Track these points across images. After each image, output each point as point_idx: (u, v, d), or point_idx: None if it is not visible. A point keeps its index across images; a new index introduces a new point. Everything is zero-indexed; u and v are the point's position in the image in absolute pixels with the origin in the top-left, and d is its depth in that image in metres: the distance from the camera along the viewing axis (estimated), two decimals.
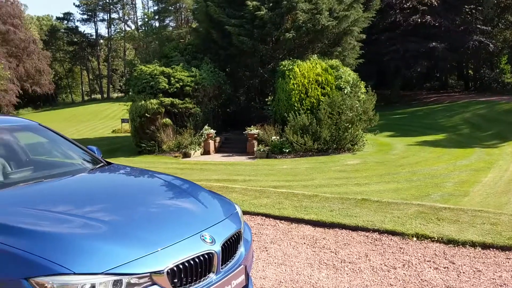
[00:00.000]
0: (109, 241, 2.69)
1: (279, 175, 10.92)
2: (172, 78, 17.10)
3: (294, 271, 4.35)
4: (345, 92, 15.62)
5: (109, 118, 34.76)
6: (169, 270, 2.66)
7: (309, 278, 4.20)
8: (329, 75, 16.18)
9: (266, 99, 17.23)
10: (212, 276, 2.91)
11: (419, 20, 28.86)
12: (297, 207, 6.41)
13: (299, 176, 10.58)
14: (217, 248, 2.95)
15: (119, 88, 64.24)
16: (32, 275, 2.40)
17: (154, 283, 2.61)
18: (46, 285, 2.37)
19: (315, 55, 17.65)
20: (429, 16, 28.93)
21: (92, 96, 63.16)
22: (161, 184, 3.84)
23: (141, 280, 2.57)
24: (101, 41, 64.25)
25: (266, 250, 4.93)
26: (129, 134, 20.44)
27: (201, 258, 2.84)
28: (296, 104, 15.78)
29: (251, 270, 3.90)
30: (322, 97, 15.68)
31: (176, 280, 2.70)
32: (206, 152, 16.72)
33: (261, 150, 15.51)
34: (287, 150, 15.08)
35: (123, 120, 26.25)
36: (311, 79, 16.02)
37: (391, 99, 31.97)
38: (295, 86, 15.89)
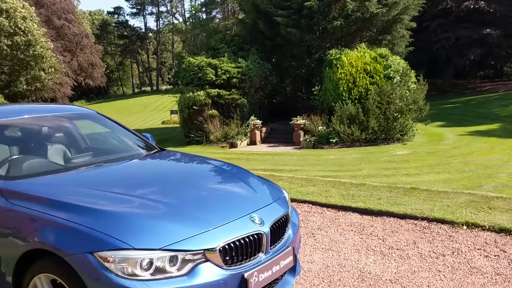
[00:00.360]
0: (165, 219, 2.86)
1: (325, 165, 10.92)
2: (219, 70, 17.36)
3: (341, 256, 4.43)
4: (395, 81, 15.35)
5: (158, 110, 35.62)
6: (221, 248, 2.81)
7: (356, 263, 4.26)
8: (378, 64, 15.95)
9: (313, 89, 17.16)
10: (261, 256, 3.04)
11: (472, 6, 27.81)
12: (344, 195, 6.44)
13: (346, 166, 10.54)
14: (266, 229, 3.07)
15: (168, 80, 65.58)
16: (96, 250, 2.60)
17: (207, 260, 2.76)
18: (109, 259, 2.57)
19: (363, 43, 17.40)
20: (482, 2, 27.82)
21: (142, 89, 64.83)
22: (212, 169, 4.00)
23: (195, 257, 2.73)
24: (150, 34, 65.73)
25: (313, 236, 5.02)
26: (178, 125, 20.93)
27: (251, 238, 2.97)
28: (343, 94, 15.66)
29: (299, 254, 4.00)
30: (371, 86, 15.49)
31: (227, 258, 2.84)
32: (252, 142, 16.90)
33: (308, 140, 15.50)
34: (334, 140, 15.00)
35: (172, 112, 26.87)
36: (359, 68, 15.84)
37: (442, 88, 31.05)
38: (343, 75, 15.77)
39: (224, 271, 2.80)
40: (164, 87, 61.54)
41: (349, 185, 7.05)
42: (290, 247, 3.30)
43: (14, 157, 3.68)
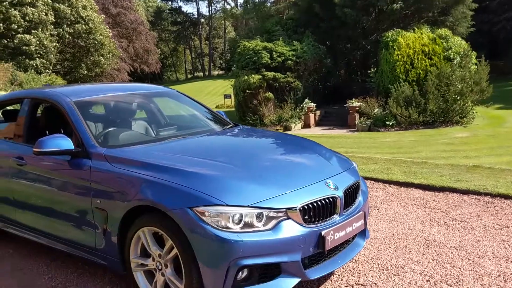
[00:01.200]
0: (251, 182, 3.23)
1: (382, 147, 11.03)
2: (274, 53, 17.64)
3: (405, 227, 4.67)
4: (455, 62, 15.11)
5: (211, 95, 36.37)
6: (300, 208, 3.14)
7: (421, 232, 4.50)
8: (437, 45, 15.73)
9: (368, 71, 17.13)
10: (336, 217, 3.35)
11: None
12: (406, 172, 6.63)
13: (403, 149, 10.61)
14: (339, 193, 3.38)
15: (219, 65, 66.46)
16: (194, 205, 2.99)
17: (289, 218, 3.10)
18: (205, 213, 2.95)
19: (422, 25, 17.16)
20: None
21: (195, 74, 66.04)
22: (287, 141, 4.36)
23: (279, 214, 3.08)
24: (202, 20, 66.67)
25: (377, 209, 5.27)
26: (231, 109, 21.44)
27: (327, 200, 3.29)
28: (400, 76, 15.58)
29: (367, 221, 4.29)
30: (430, 67, 15.31)
31: (306, 217, 3.17)
32: (306, 125, 17.13)
33: (363, 123, 15.54)
34: (390, 123, 14.98)
35: (225, 96, 27.44)
36: (416, 50, 15.68)
37: (504, 70, 29.91)
38: (400, 57, 15.66)
39: (303, 228, 3.13)
40: (216, 72, 62.45)
41: (410, 163, 7.22)
42: (361, 212, 3.59)
43: (110, 129, 4.16)
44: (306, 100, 17.35)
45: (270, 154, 3.90)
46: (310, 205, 3.20)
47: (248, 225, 3.00)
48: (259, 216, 3.03)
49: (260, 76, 17.42)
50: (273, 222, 3.06)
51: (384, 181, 6.34)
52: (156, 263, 3.25)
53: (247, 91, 17.41)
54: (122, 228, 3.38)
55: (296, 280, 3.14)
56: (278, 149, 4.10)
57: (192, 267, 3.01)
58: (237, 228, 2.97)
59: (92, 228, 3.57)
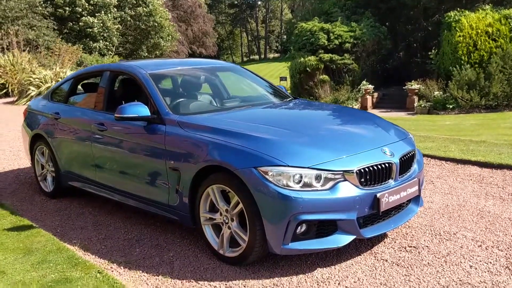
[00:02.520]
0: (310, 146, 3.52)
1: (441, 130, 10.93)
2: (331, 34, 17.66)
3: (460, 199, 4.81)
4: None
5: (267, 77, 36.51)
6: (357, 171, 3.39)
7: (476, 204, 4.63)
8: (502, 26, 15.22)
9: (429, 53, 16.83)
10: (391, 182, 3.58)
11: None
12: (464, 150, 6.68)
13: (463, 132, 10.49)
14: (395, 160, 3.60)
15: (275, 48, 66.50)
16: (259, 165, 3.32)
17: (345, 180, 3.37)
18: (268, 172, 3.27)
19: (487, 5, 16.61)
20: None
21: (250, 57, 66.57)
22: (346, 112, 4.63)
23: (336, 176, 3.35)
24: (259, 2, 66.86)
25: (433, 183, 5.42)
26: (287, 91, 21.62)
27: (383, 166, 3.52)
28: (462, 58, 15.24)
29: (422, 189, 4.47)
30: (495, 49, 14.87)
31: (362, 180, 3.42)
32: (363, 107, 17.09)
33: (422, 105, 15.37)
34: (450, 106, 14.74)
35: (281, 78, 27.51)
36: (479, 31, 15.25)
37: None
38: (462, 38, 15.29)
39: (359, 190, 3.38)
40: (271, 55, 62.61)
41: (468, 142, 7.24)
42: (416, 179, 3.80)
43: (181, 100, 4.56)
44: (364, 82, 17.30)
45: (329, 123, 4.17)
46: (367, 169, 3.44)
47: (307, 184, 3.29)
48: (317, 177, 3.31)
49: (317, 58, 17.52)
50: (331, 183, 3.34)
51: (441, 158, 6.43)
52: (223, 217, 3.61)
53: (303, 73, 17.57)
54: (193, 186, 3.76)
55: (351, 237, 3.41)
56: (336, 119, 4.36)
57: (255, 221, 3.35)
58: (297, 187, 3.26)
59: (166, 187, 3.98)
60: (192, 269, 3.58)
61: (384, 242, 3.85)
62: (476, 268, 3.35)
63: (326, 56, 17.44)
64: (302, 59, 17.72)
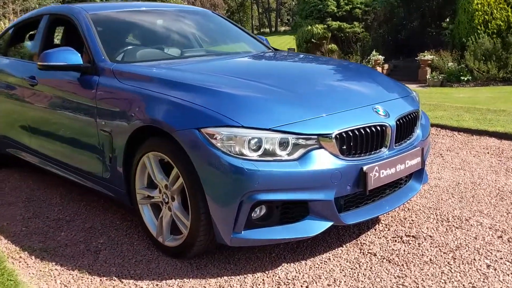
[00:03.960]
0: (278, 102, 2.60)
1: (454, 103, 9.93)
2: (341, 0, 16.48)
3: (474, 176, 3.87)
4: None
5: None
6: (337, 135, 2.48)
7: (494, 182, 3.69)
8: None
9: (443, 22, 15.65)
10: (384, 151, 2.66)
11: None
12: (480, 119, 5.71)
13: (478, 105, 9.48)
14: (391, 122, 2.67)
15: (287, 21, 64.80)
16: (203, 126, 2.41)
17: (321, 147, 2.46)
18: (216, 135, 2.37)
19: None
20: None
21: (261, 30, 64.86)
22: (335, 64, 3.70)
23: (308, 142, 2.44)
24: None
25: (442, 156, 4.48)
26: None
27: (373, 129, 2.60)
28: (479, 27, 14.04)
29: (426, 161, 3.56)
30: None
31: (344, 148, 2.51)
32: None
33: (435, 77, 14.31)
34: (465, 78, 13.64)
35: (289, 50, 26.54)
36: None
37: None
38: (479, 6, 14.05)
39: (339, 161, 2.48)
40: (282, 28, 60.95)
41: (485, 111, 6.26)
42: (418, 148, 2.87)
43: (129, 47, 3.63)
44: (374, 53, 16.21)
45: (311, 75, 3.24)
46: (350, 133, 2.52)
47: (268, 153, 2.39)
48: (283, 143, 2.41)
49: (325, 26, 16.42)
50: (301, 151, 2.43)
51: (453, 128, 5.46)
52: (162, 195, 2.74)
53: (310, 42, 16.49)
54: (128, 155, 2.89)
55: (326, 224, 2.52)
56: (322, 71, 3.43)
57: (199, 201, 2.47)
58: (254, 155, 2.37)
59: (99, 155, 3.11)
60: (120, 261, 2.73)
61: (375, 230, 2.96)
62: (495, 269, 2.45)
63: (335, 24, 16.33)
64: (309, 27, 16.63)
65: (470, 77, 13.66)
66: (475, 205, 3.27)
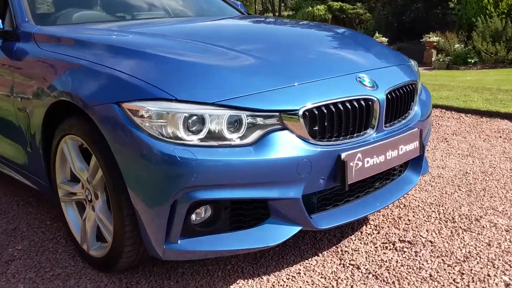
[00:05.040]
0: (232, 69, 1.95)
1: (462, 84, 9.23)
2: None
3: (485, 164, 3.22)
4: None
5: None
6: (306, 113, 1.84)
7: (509, 172, 3.04)
8: None
9: (450, 2, 14.86)
10: (370, 133, 2.02)
11: None
12: (490, 99, 5.02)
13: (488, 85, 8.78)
14: (379, 95, 2.02)
15: (290, 5, 63.62)
16: (125, 99, 1.78)
17: (285, 128, 1.82)
18: (141, 112, 1.73)
19: None
20: None
21: (265, 15, 63.77)
22: (319, 29, 3.01)
23: (267, 121, 1.80)
24: None
25: (446, 141, 3.82)
26: None
27: (355, 104, 1.95)
28: (488, 7, 13.28)
29: (427, 147, 2.93)
30: None
31: (316, 128, 1.87)
32: None
33: (440, 60, 13.57)
34: (472, 61, 12.90)
35: None
36: None
37: None
38: None
39: (309, 146, 1.84)
40: (286, 13, 59.85)
41: (495, 90, 5.58)
42: (416, 129, 2.22)
43: (65, 9, 2.98)
44: (377, 35, 15.45)
45: (288, 40, 2.56)
46: (324, 109, 1.88)
47: (213, 136, 1.75)
48: (233, 122, 1.78)
49: (326, 7, 15.64)
50: (257, 133, 1.80)
51: (460, 110, 4.79)
52: (85, 191, 2.12)
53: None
54: (47, 140, 2.26)
55: (292, 230, 1.89)
56: (303, 36, 2.75)
57: (122, 199, 1.84)
58: (193, 139, 1.73)
59: (19, 139, 2.48)
60: (33, 275, 2.11)
61: (360, 233, 2.33)
62: None
63: (336, 5, 15.55)
64: (309, 8, 15.87)
65: (478, 59, 12.94)
66: (487, 200, 2.63)
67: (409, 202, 2.62)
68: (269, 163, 1.77)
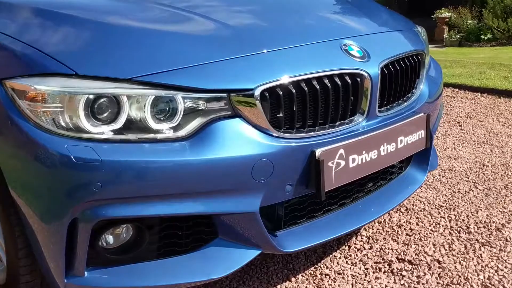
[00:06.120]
0: (169, 36, 1.41)
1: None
2: None
3: (506, 153, 2.64)
4: None
5: None
6: (266, 93, 1.29)
7: None
8: None
9: None
10: (358, 120, 1.46)
11: None
12: (508, 77, 4.39)
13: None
14: (372, 69, 1.46)
15: None
16: (9, 75, 1.25)
17: (235, 115, 1.27)
18: (30, 92, 1.20)
19: None
20: None
21: None
22: None
23: (211, 105, 1.25)
24: None
25: (459, 125, 3.24)
26: None
27: (337, 81, 1.39)
28: None
29: (435, 135, 2.37)
30: None
31: (281, 115, 1.32)
32: None
33: (452, 37, 12.83)
34: (485, 37, 12.15)
35: None
36: None
37: None
38: None
39: (270, 139, 1.29)
40: None
41: None
42: (422, 114, 1.65)
43: None
44: None
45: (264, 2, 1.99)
46: (292, 88, 1.33)
47: (134, 126, 1.22)
48: (161, 106, 1.24)
49: None
50: (197, 122, 1.26)
51: (474, 89, 4.17)
52: None
53: None
54: None
55: (249, 255, 1.36)
56: None
57: (10, 212, 1.33)
58: (103, 130, 1.20)
59: None
60: None
61: (348, 248, 1.78)
62: None
63: None
64: None
65: (491, 36, 12.21)
66: (510, 202, 2.06)
67: (413, 205, 2.07)
68: (212, 165, 1.23)
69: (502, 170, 2.41)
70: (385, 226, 1.90)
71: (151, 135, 1.23)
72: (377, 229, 1.88)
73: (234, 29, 1.48)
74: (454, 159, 2.59)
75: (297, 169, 1.34)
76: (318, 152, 1.33)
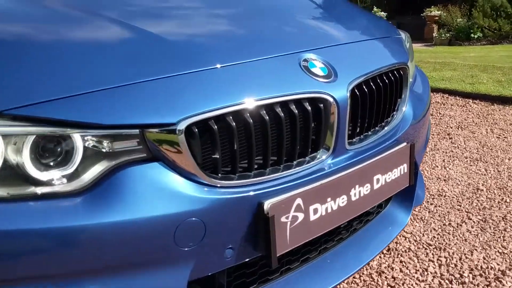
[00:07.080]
0: (62, 48, 1.05)
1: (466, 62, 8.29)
2: None
3: (503, 174, 2.31)
4: None
5: None
6: (194, 128, 0.95)
7: None
8: None
9: None
10: (322, 158, 1.12)
11: None
12: (502, 82, 4.08)
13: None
14: (339, 91, 1.12)
15: None
16: None
17: (153, 158, 0.93)
18: None
19: None
20: None
21: None
22: None
23: (117, 146, 0.91)
24: None
25: (450, 138, 2.91)
26: None
27: (292, 109, 1.05)
28: None
29: (421, 163, 2.06)
30: None
31: (216, 157, 0.98)
32: None
33: (442, 35, 12.66)
34: (475, 36, 11.99)
35: None
36: None
37: None
38: None
39: (201, 190, 0.95)
40: None
41: (508, 69, 4.63)
42: (405, 143, 1.31)
43: None
44: (375, 9, 14.50)
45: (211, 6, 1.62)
46: (231, 120, 0.98)
47: (15, 171, 0.87)
48: (48, 148, 0.89)
49: None
50: (96, 169, 0.91)
51: (466, 95, 3.85)
52: None
53: None
54: None
55: None
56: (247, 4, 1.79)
57: None
58: None
59: None
60: None
61: None
62: None
63: None
64: None
65: (481, 35, 12.01)
66: (510, 238, 1.74)
67: (396, 243, 1.73)
68: (118, 230, 0.89)
69: (499, 195, 2.08)
70: (363, 274, 1.56)
71: (31, 189, 0.88)
72: (353, 278, 1.54)
73: (162, 42, 1.13)
74: (444, 180, 2.26)
75: (239, 229, 1.00)
76: (267, 205, 0.99)
